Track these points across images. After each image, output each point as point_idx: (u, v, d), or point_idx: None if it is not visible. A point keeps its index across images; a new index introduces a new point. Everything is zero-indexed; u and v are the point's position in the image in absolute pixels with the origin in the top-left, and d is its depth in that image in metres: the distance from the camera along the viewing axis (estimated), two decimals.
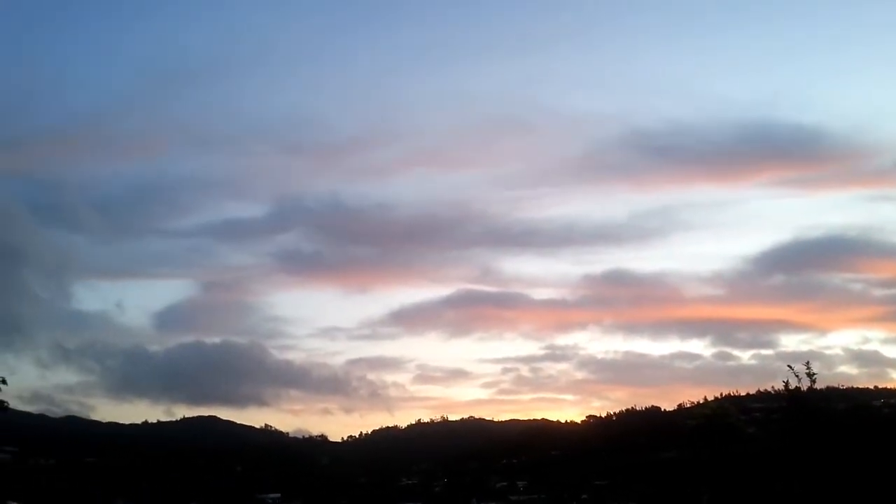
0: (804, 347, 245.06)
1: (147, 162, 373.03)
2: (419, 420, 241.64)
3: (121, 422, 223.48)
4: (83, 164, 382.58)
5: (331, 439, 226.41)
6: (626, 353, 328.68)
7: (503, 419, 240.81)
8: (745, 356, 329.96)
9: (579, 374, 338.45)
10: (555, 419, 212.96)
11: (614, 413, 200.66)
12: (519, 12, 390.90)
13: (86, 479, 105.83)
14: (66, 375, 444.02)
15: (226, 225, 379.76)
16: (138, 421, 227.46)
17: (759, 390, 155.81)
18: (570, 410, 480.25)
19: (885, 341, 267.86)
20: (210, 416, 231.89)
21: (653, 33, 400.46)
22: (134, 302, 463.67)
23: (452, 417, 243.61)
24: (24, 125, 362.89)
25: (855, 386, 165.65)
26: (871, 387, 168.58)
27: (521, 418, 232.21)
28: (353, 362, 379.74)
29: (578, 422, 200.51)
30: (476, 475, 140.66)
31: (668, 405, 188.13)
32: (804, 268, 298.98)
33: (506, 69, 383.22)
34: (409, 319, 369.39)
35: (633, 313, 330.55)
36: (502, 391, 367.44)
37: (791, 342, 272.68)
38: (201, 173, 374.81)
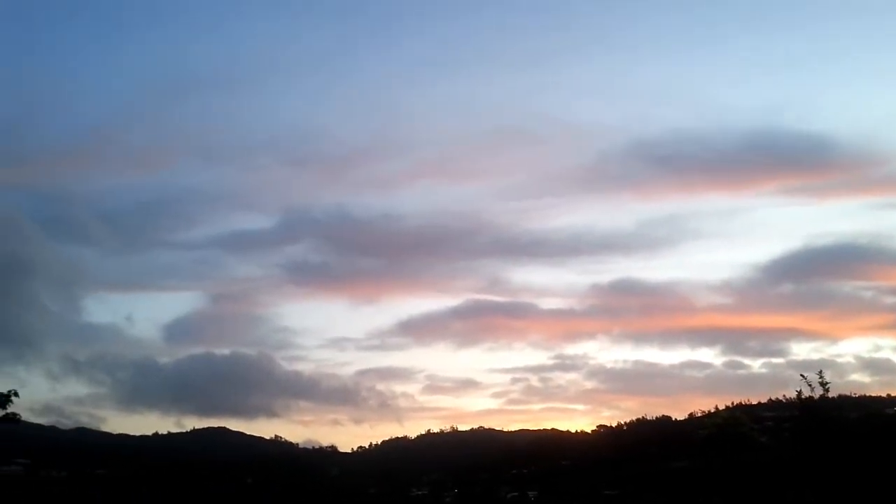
0: (815, 356, 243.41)
1: (155, 175, 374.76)
2: (429, 430, 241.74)
3: (131, 433, 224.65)
4: (91, 178, 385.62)
5: (340, 450, 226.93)
6: (636, 362, 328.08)
7: (513, 429, 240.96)
8: (756, 365, 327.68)
9: (589, 384, 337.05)
10: (565, 429, 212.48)
11: (625, 423, 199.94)
12: (524, 23, 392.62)
13: (96, 491, 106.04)
14: (76, 387, 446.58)
15: (234, 237, 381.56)
16: (148, 432, 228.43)
17: (770, 399, 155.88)
18: (580, 420, 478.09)
19: None
20: (220, 428, 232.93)
21: (658, 43, 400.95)
22: (143, 314, 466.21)
23: (462, 428, 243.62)
24: (32, 139, 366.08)
25: (867, 394, 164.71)
26: (884, 395, 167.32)
27: (531, 428, 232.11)
28: (363, 373, 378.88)
29: (589, 431, 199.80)
30: (486, 485, 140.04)
31: (679, 414, 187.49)
32: (814, 276, 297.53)
33: (511, 80, 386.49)
34: (418, 330, 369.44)
35: (642, 322, 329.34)
36: (512, 401, 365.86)
37: (802, 350, 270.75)
38: (209, 186, 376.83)
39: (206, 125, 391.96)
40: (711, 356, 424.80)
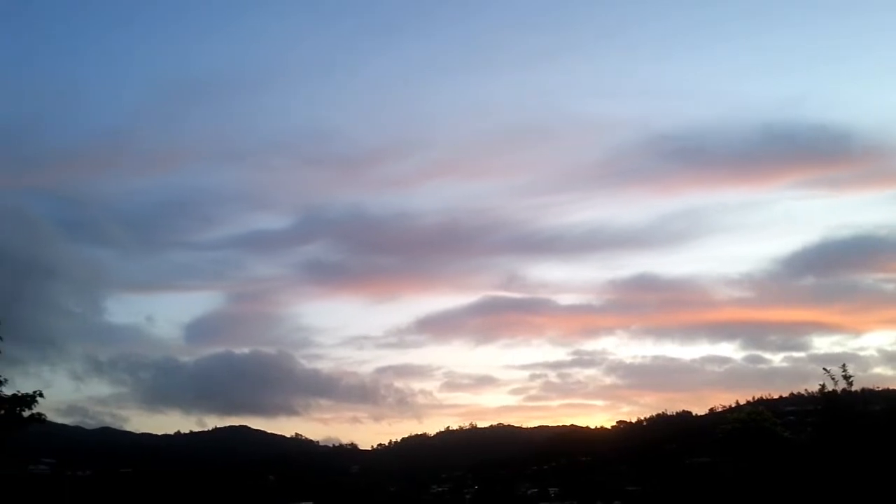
0: (837, 349, 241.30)
1: (172, 176, 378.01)
2: (448, 427, 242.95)
3: (154, 433, 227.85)
4: (110, 180, 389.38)
5: (360, 447, 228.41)
6: (655, 357, 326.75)
7: (532, 425, 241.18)
8: (777, 359, 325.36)
9: (608, 380, 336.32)
10: (584, 425, 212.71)
11: (645, 418, 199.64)
12: (538, 20, 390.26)
13: (122, 490, 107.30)
14: (99, 388, 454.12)
15: (252, 237, 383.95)
16: (171, 431, 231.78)
17: (791, 393, 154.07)
18: (599, 416, 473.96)
19: None
20: (241, 426, 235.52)
21: (675, 37, 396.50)
22: (164, 314, 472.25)
23: (481, 424, 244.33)
24: (50, 142, 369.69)
25: (891, 387, 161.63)
26: None
27: (550, 424, 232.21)
28: (381, 370, 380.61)
29: (608, 427, 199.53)
30: (506, 482, 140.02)
31: (700, 410, 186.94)
32: (835, 268, 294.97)
33: (525, 76, 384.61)
34: (436, 327, 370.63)
35: (661, 317, 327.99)
36: (531, 397, 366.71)
37: (823, 344, 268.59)
38: (226, 187, 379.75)
39: (223, 126, 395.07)
40: (731, 351, 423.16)
